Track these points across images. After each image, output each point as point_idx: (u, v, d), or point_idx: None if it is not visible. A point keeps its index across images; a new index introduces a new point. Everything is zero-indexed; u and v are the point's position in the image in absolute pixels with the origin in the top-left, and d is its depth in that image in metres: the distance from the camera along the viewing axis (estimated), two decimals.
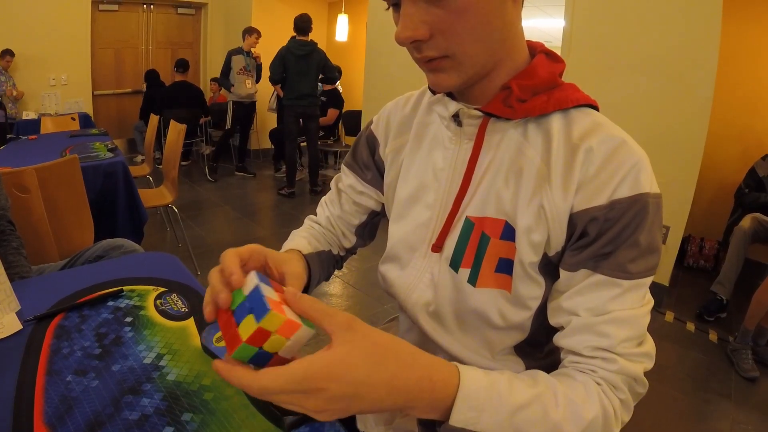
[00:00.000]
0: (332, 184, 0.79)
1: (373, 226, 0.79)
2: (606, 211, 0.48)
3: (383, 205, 0.74)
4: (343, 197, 0.76)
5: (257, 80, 4.97)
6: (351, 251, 0.80)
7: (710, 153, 2.69)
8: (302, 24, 4.08)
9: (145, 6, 5.97)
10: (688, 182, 2.53)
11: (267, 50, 5.44)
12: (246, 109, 5.02)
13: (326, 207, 0.79)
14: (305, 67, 4.09)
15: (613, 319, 0.48)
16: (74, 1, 5.23)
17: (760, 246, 2.82)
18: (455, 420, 0.41)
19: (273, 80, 4.28)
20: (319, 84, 4.63)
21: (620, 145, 0.49)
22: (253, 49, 4.83)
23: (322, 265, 0.71)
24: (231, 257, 0.48)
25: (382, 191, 0.73)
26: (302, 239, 0.72)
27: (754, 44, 2.98)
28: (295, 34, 4.14)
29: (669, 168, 2.52)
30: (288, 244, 0.71)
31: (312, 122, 4.39)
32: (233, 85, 4.78)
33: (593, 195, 0.49)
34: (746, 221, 2.54)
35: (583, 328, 0.49)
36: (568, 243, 0.52)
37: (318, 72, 4.18)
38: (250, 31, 4.75)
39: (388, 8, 0.52)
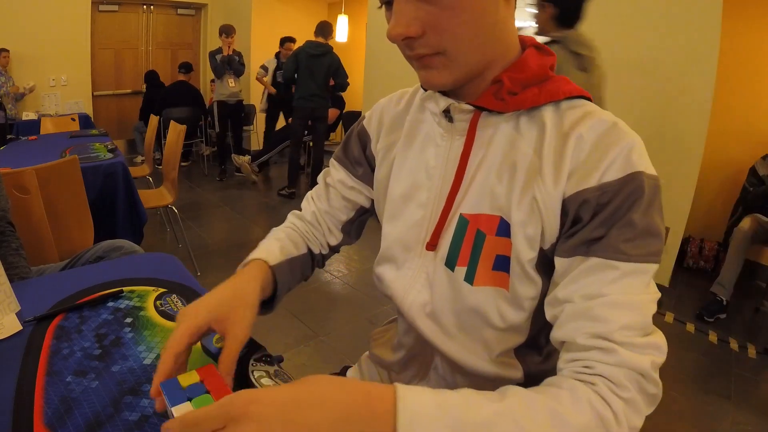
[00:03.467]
0: (320, 178, 0.77)
1: (360, 224, 0.77)
2: (598, 194, 0.47)
3: (373, 201, 0.73)
4: (332, 192, 0.74)
5: (240, 74, 4.87)
6: (335, 249, 0.77)
7: (710, 154, 2.69)
8: (322, 26, 4.13)
9: (144, 7, 5.97)
10: (688, 183, 2.53)
11: (266, 50, 5.45)
12: (232, 109, 4.95)
13: (313, 202, 0.76)
14: (315, 67, 4.10)
15: (610, 303, 0.44)
16: (74, 2, 5.24)
17: (760, 247, 2.83)
18: None
19: (285, 78, 4.30)
20: None
21: (611, 128, 0.49)
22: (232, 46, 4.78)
23: (293, 273, 0.68)
24: (166, 362, 0.49)
25: (373, 188, 0.72)
26: (275, 243, 0.68)
27: (754, 44, 2.98)
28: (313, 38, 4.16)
29: (669, 168, 2.52)
30: (258, 249, 0.67)
31: (320, 123, 4.39)
32: (219, 80, 4.77)
33: (583, 178, 0.48)
34: (746, 222, 2.54)
35: (576, 315, 0.45)
36: (562, 231, 0.50)
37: (328, 74, 4.18)
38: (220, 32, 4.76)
39: (381, 6, 0.52)
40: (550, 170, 0.50)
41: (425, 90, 0.61)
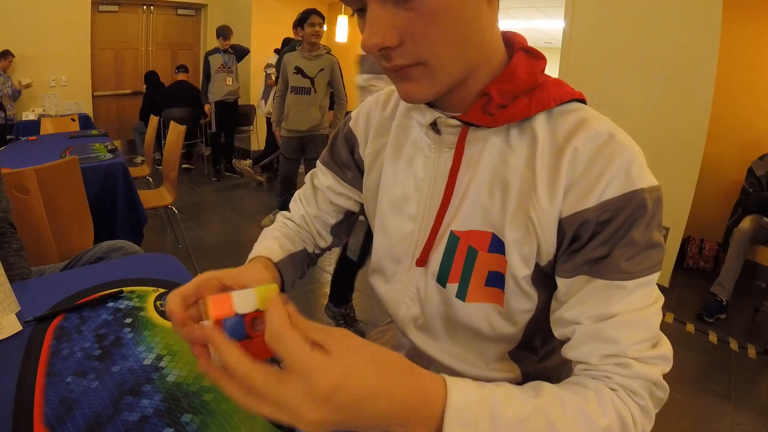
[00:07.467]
0: (307, 179, 0.75)
1: (349, 225, 0.76)
2: (598, 213, 0.45)
3: (362, 205, 0.72)
4: (320, 196, 0.72)
5: (240, 59, 4.91)
6: (326, 250, 0.77)
7: (710, 154, 2.69)
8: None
9: (144, 7, 5.97)
10: (688, 183, 2.53)
11: (266, 50, 5.44)
12: (229, 107, 4.96)
13: (302, 205, 0.74)
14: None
15: (620, 323, 0.45)
16: (74, 2, 5.23)
17: (760, 247, 2.83)
18: None
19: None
20: None
21: (608, 141, 0.46)
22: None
23: (295, 268, 0.68)
24: (173, 302, 0.46)
25: (362, 191, 0.70)
26: (273, 241, 0.68)
27: (754, 44, 2.98)
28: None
29: (669, 169, 2.52)
30: (257, 249, 0.67)
31: None
32: (211, 84, 4.78)
33: (582, 197, 0.46)
34: (746, 222, 2.55)
35: (588, 337, 0.46)
36: (560, 249, 0.49)
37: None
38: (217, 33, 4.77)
39: (353, 15, 0.48)
40: (544, 187, 0.48)
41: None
